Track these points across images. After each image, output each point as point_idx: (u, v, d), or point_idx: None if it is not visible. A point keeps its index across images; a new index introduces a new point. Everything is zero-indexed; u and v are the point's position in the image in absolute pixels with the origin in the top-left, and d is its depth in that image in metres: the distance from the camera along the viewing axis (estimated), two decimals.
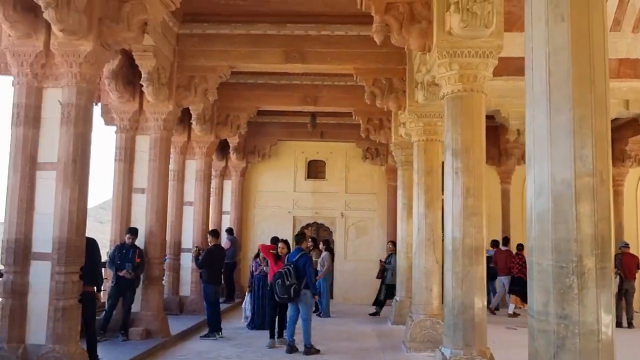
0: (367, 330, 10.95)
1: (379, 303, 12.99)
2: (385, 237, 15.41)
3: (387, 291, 12.92)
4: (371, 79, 9.42)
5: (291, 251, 9.10)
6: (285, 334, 8.85)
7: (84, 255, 6.30)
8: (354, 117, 12.58)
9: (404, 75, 9.34)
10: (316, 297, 8.75)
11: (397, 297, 11.80)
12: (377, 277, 13.51)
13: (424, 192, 8.88)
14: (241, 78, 11.62)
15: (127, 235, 8.72)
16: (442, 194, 8.34)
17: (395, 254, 13.14)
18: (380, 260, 13.61)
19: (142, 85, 8.66)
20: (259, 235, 15.57)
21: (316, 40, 9.20)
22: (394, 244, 13.42)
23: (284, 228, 15.38)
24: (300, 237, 9.10)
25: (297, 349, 8.55)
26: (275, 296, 8.40)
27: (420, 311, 8.82)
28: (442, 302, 7.94)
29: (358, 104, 11.90)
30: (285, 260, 8.58)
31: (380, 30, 6.42)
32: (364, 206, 16.20)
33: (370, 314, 12.83)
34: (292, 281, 8.24)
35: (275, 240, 10.15)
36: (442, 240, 9.30)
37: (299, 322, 8.63)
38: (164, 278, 9.58)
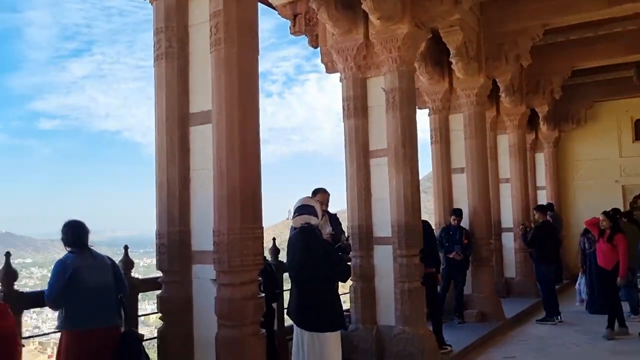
0: None
1: None
2: None
3: None
4: None
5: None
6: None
7: (422, 238, 6.31)
8: None
9: None
10: None
11: None
12: None
13: None
14: (550, 38, 10.45)
15: (452, 217, 8.61)
16: None
17: None
18: None
19: (450, 63, 8.47)
20: (581, 210, 14.03)
21: None
22: None
23: (610, 200, 13.42)
24: None
25: None
26: None
27: None
28: None
29: None
30: None
31: None
32: None
33: None
34: None
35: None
36: None
37: None
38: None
